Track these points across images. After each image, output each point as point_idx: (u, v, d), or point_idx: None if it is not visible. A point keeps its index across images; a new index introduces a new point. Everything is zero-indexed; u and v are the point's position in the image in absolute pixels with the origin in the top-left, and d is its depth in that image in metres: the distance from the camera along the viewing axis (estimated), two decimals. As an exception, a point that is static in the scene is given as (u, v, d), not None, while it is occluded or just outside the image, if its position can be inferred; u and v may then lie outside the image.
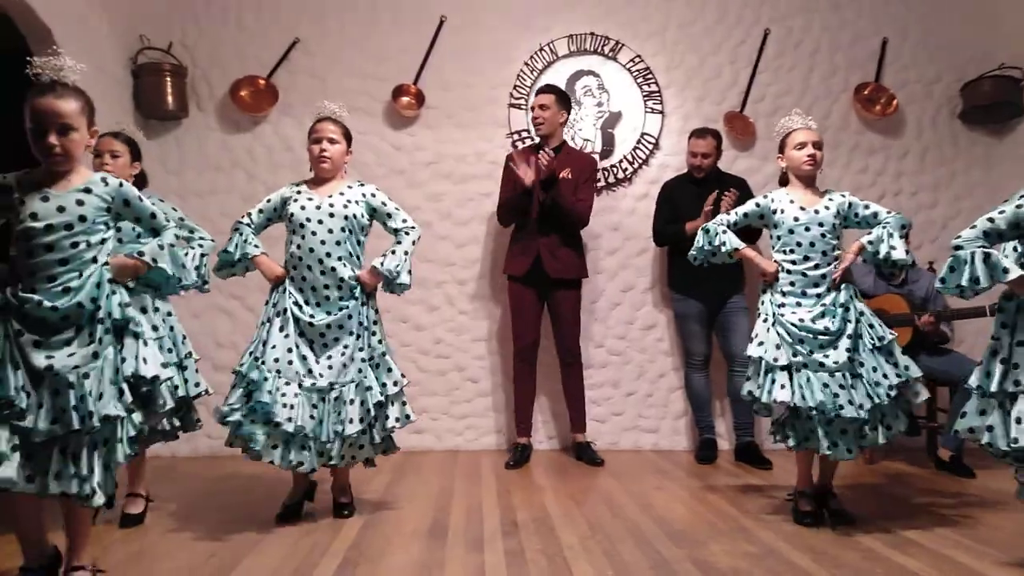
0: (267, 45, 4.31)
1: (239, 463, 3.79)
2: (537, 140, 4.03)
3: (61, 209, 1.95)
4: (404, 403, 2.89)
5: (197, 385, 2.80)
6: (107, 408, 1.91)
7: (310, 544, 2.51)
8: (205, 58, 4.30)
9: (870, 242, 2.75)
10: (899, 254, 2.71)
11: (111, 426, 1.94)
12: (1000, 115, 4.51)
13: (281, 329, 2.75)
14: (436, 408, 4.31)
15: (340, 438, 2.75)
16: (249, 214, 2.92)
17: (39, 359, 1.88)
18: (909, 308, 3.81)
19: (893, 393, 2.64)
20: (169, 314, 2.80)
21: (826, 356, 2.67)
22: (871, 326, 2.72)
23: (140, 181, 2.92)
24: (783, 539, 2.59)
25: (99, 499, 1.90)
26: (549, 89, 3.96)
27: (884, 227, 2.76)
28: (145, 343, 2.06)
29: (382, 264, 2.86)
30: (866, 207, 2.83)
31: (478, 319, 4.37)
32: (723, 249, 2.91)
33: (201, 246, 2.87)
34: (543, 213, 3.83)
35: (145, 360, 2.04)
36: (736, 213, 2.97)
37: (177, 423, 2.78)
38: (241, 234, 2.86)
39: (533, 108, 3.93)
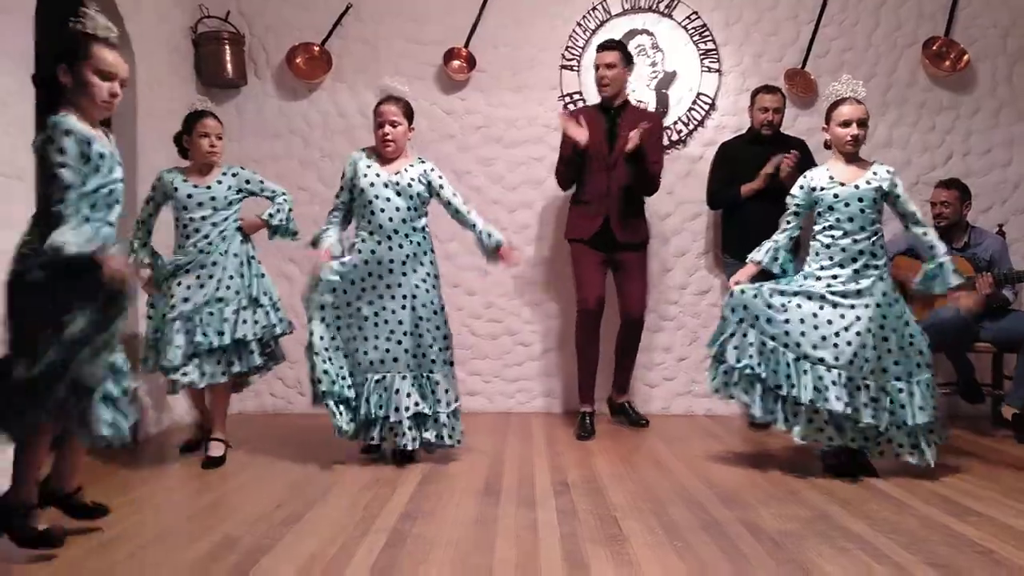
0: (321, 12, 4.35)
1: (303, 420, 3.96)
2: (598, 100, 3.86)
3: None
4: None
5: (282, 322, 3.22)
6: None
7: (370, 497, 2.62)
8: (261, 26, 4.37)
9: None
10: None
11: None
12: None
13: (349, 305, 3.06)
14: (488, 371, 4.38)
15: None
16: (338, 200, 3.17)
17: None
18: (973, 271, 3.69)
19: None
20: (259, 262, 3.24)
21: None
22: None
23: None
24: (837, 504, 2.58)
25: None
26: (613, 45, 3.78)
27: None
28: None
29: (489, 237, 3.16)
30: (907, 203, 2.88)
31: (530, 283, 4.40)
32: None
33: (285, 202, 3.26)
34: (614, 177, 3.72)
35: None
36: (791, 215, 3.03)
37: (266, 359, 3.21)
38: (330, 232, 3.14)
39: (598, 67, 3.75)
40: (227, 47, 4.21)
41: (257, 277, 3.17)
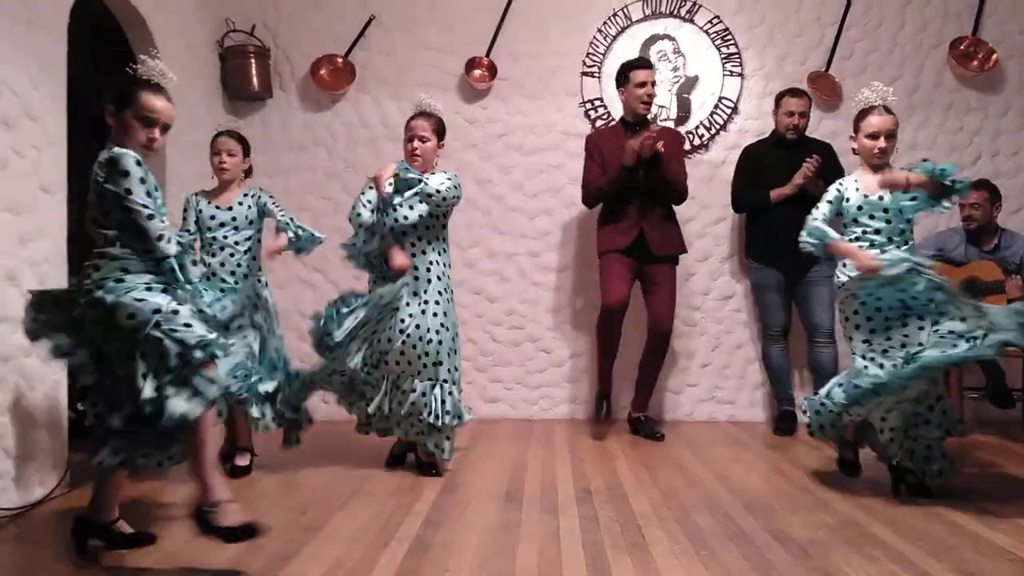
0: (344, 23, 4.40)
1: (326, 428, 3.98)
2: (623, 118, 3.86)
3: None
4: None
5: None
6: None
7: (394, 505, 2.64)
8: (286, 39, 4.44)
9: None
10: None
11: None
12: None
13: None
14: (510, 378, 4.39)
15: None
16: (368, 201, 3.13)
17: None
18: (1003, 274, 3.62)
19: None
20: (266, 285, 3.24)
21: None
22: None
23: (247, 173, 3.27)
24: (864, 511, 2.55)
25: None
26: (651, 63, 3.85)
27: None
28: None
29: None
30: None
31: (550, 290, 4.40)
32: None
33: (289, 218, 3.22)
34: (645, 190, 3.69)
35: None
36: (825, 206, 2.87)
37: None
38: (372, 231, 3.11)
39: (643, 84, 3.72)
40: (253, 60, 4.28)
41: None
